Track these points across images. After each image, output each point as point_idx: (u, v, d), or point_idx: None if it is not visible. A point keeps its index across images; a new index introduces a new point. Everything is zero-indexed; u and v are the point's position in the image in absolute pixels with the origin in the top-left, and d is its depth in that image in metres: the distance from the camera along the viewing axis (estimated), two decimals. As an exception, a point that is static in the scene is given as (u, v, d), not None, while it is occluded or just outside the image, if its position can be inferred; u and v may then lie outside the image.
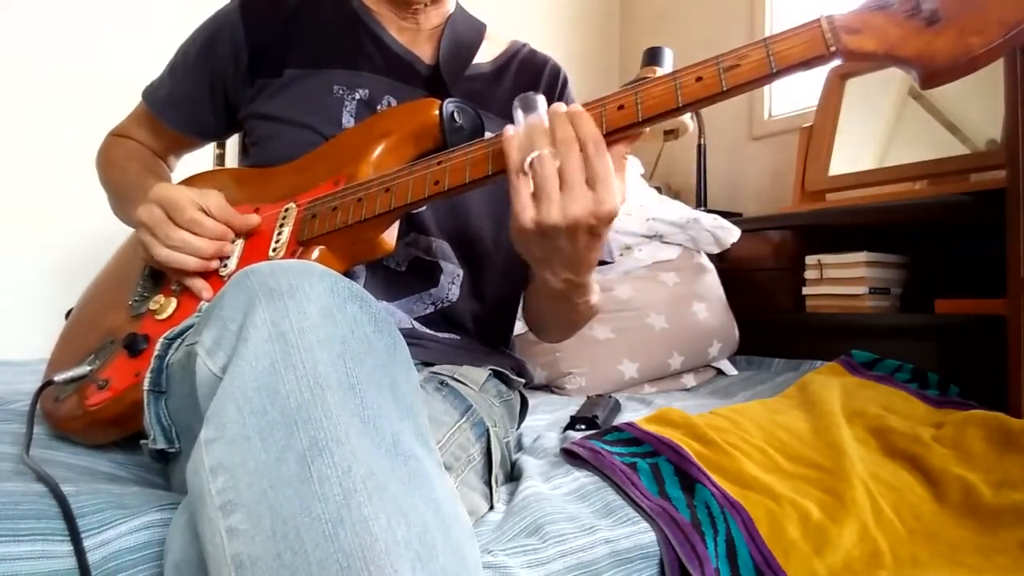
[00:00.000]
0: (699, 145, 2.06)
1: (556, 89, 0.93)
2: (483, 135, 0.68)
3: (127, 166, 0.89)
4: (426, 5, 0.86)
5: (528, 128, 0.60)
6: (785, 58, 0.55)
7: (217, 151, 1.68)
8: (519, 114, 0.61)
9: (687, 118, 1.95)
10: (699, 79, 0.58)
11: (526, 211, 0.59)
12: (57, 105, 1.58)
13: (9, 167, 1.54)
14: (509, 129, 0.61)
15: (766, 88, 2.10)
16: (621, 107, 0.60)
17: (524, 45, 0.95)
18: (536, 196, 0.59)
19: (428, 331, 0.81)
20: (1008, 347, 1.14)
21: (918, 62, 0.53)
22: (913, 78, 0.54)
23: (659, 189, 2.00)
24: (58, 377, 0.69)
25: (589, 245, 0.61)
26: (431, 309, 0.82)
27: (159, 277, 0.75)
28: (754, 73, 0.56)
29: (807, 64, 0.55)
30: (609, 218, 0.58)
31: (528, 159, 0.59)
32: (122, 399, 0.66)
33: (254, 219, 0.73)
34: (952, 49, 0.51)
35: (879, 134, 1.63)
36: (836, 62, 0.56)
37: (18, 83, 1.55)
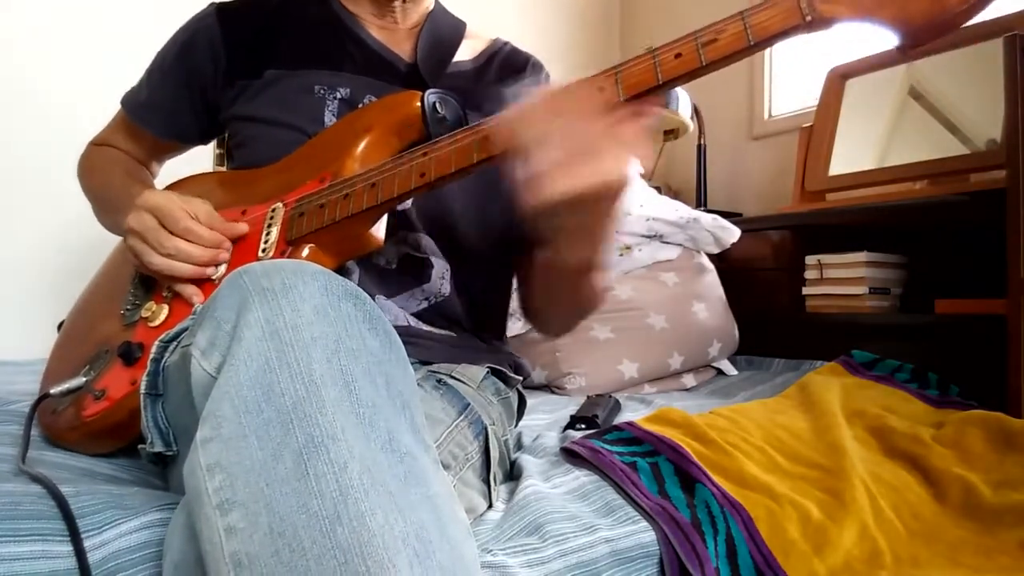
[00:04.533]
0: (699, 145, 2.06)
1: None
2: (466, 125, 0.67)
3: (111, 174, 0.89)
4: (404, 2, 0.85)
5: (532, 103, 0.59)
6: (762, 29, 0.55)
7: (217, 151, 1.67)
8: (518, 92, 0.60)
9: (687, 118, 1.95)
10: (678, 55, 0.57)
11: (536, 188, 0.57)
12: (55, 109, 1.58)
13: (6, 168, 1.54)
14: (512, 108, 0.60)
15: (766, 88, 2.10)
16: (601, 89, 0.59)
17: (506, 43, 0.95)
18: (544, 171, 0.57)
19: (424, 327, 0.81)
20: (1008, 347, 1.14)
21: (895, 25, 0.52)
22: (894, 41, 0.54)
23: (659, 189, 2.00)
24: (54, 390, 0.69)
25: (603, 215, 0.61)
26: (425, 304, 0.82)
27: (150, 284, 0.75)
28: (732, 47, 0.56)
29: (784, 34, 0.55)
30: (620, 185, 0.57)
31: (533, 135, 0.57)
32: (120, 408, 0.66)
33: (242, 227, 0.73)
34: (928, 9, 0.51)
35: (879, 134, 1.63)
36: (815, 31, 0.55)
37: (13, 87, 1.55)
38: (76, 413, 0.68)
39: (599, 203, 0.59)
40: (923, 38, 0.52)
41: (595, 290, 0.74)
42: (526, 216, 0.62)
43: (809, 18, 0.54)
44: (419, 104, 0.71)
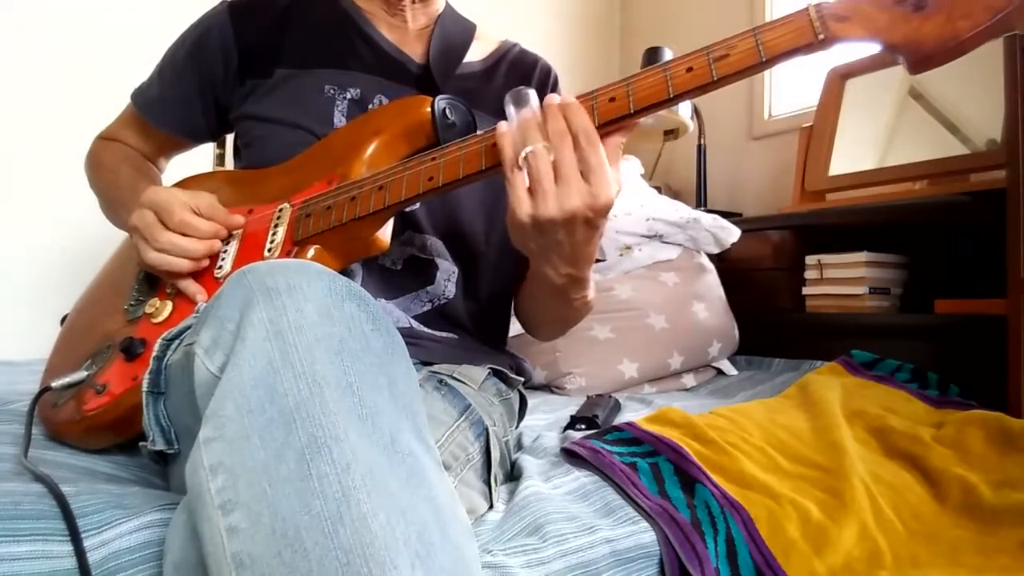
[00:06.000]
0: (699, 145, 2.06)
1: (547, 88, 0.94)
2: (475, 131, 0.68)
3: (119, 170, 0.89)
4: (414, 3, 0.86)
5: (520, 122, 0.60)
6: (774, 47, 0.55)
7: (217, 151, 1.68)
8: (511, 109, 0.61)
9: (687, 118, 1.95)
10: (689, 69, 0.58)
11: (522, 206, 0.59)
12: (56, 106, 1.58)
13: (8, 166, 1.54)
14: (502, 125, 0.61)
15: (766, 88, 2.10)
16: (612, 99, 0.60)
17: (515, 45, 0.96)
18: (532, 190, 0.59)
19: (426, 330, 0.81)
20: (1008, 347, 1.14)
21: (906, 48, 0.53)
22: (902, 63, 0.55)
23: (659, 189, 2.00)
24: (55, 383, 0.69)
25: (587, 237, 0.61)
26: (428, 307, 0.82)
27: (154, 281, 0.75)
28: (744, 63, 0.56)
29: (796, 52, 0.55)
30: (605, 209, 0.58)
31: (522, 154, 0.59)
32: (120, 403, 0.66)
33: (238, 219, 0.73)
34: (940, 34, 0.52)
35: (879, 134, 1.63)
36: (826, 50, 0.56)
37: (15, 84, 1.55)
38: (77, 407, 0.68)
39: (586, 223, 0.59)
40: (932, 61, 0.53)
41: (582, 303, 0.74)
42: (511, 233, 0.62)
43: (822, 36, 0.54)
44: (429, 110, 0.71)
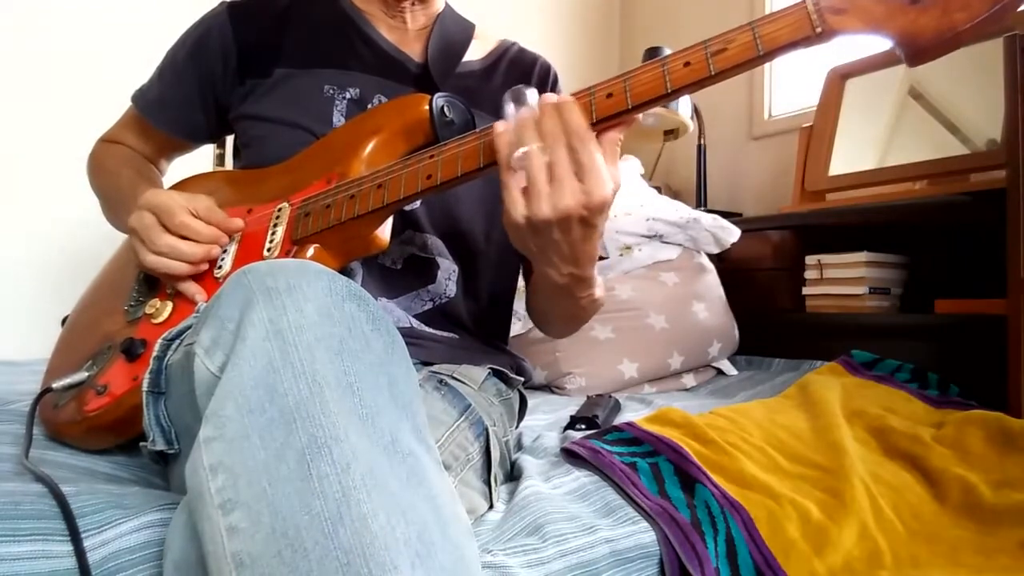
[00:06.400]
0: (699, 145, 2.06)
1: (547, 86, 0.94)
2: (474, 129, 0.68)
3: (120, 172, 0.89)
4: (413, 3, 0.86)
5: (517, 122, 0.60)
6: (772, 40, 0.55)
7: (217, 151, 1.68)
8: (510, 108, 0.61)
9: (687, 118, 1.95)
10: (687, 64, 0.57)
11: (516, 206, 0.59)
12: (56, 106, 1.58)
13: (8, 166, 1.54)
14: (499, 125, 0.61)
15: (766, 88, 2.10)
16: (610, 95, 0.60)
17: (514, 43, 0.96)
18: (526, 191, 0.59)
19: (427, 330, 0.81)
20: (1008, 347, 1.14)
21: (903, 40, 0.53)
22: (900, 55, 0.55)
23: (659, 189, 2.00)
24: (56, 384, 0.69)
25: (584, 236, 0.61)
26: (429, 305, 0.82)
27: (154, 281, 0.75)
28: (741, 56, 0.56)
29: (794, 45, 0.55)
30: (600, 208, 0.58)
31: (517, 154, 0.59)
32: (121, 404, 0.66)
33: (238, 222, 0.73)
34: (937, 26, 0.52)
35: (879, 134, 1.63)
36: (824, 43, 0.55)
37: (15, 84, 1.55)
38: (78, 408, 0.68)
39: (581, 222, 0.59)
40: (930, 53, 0.53)
41: (589, 301, 0.74)
42: (509, 233, 0.62)
43: (819, 30, 0.54)
44: (427, 108, 0.71)
